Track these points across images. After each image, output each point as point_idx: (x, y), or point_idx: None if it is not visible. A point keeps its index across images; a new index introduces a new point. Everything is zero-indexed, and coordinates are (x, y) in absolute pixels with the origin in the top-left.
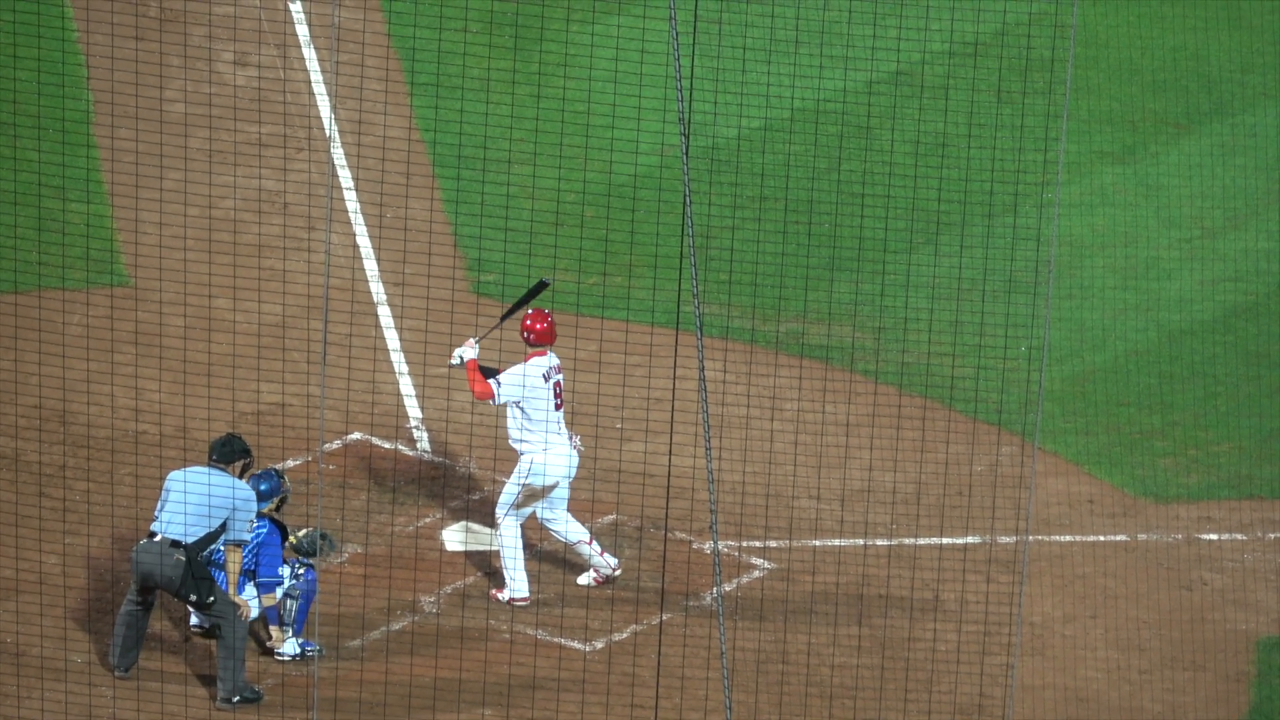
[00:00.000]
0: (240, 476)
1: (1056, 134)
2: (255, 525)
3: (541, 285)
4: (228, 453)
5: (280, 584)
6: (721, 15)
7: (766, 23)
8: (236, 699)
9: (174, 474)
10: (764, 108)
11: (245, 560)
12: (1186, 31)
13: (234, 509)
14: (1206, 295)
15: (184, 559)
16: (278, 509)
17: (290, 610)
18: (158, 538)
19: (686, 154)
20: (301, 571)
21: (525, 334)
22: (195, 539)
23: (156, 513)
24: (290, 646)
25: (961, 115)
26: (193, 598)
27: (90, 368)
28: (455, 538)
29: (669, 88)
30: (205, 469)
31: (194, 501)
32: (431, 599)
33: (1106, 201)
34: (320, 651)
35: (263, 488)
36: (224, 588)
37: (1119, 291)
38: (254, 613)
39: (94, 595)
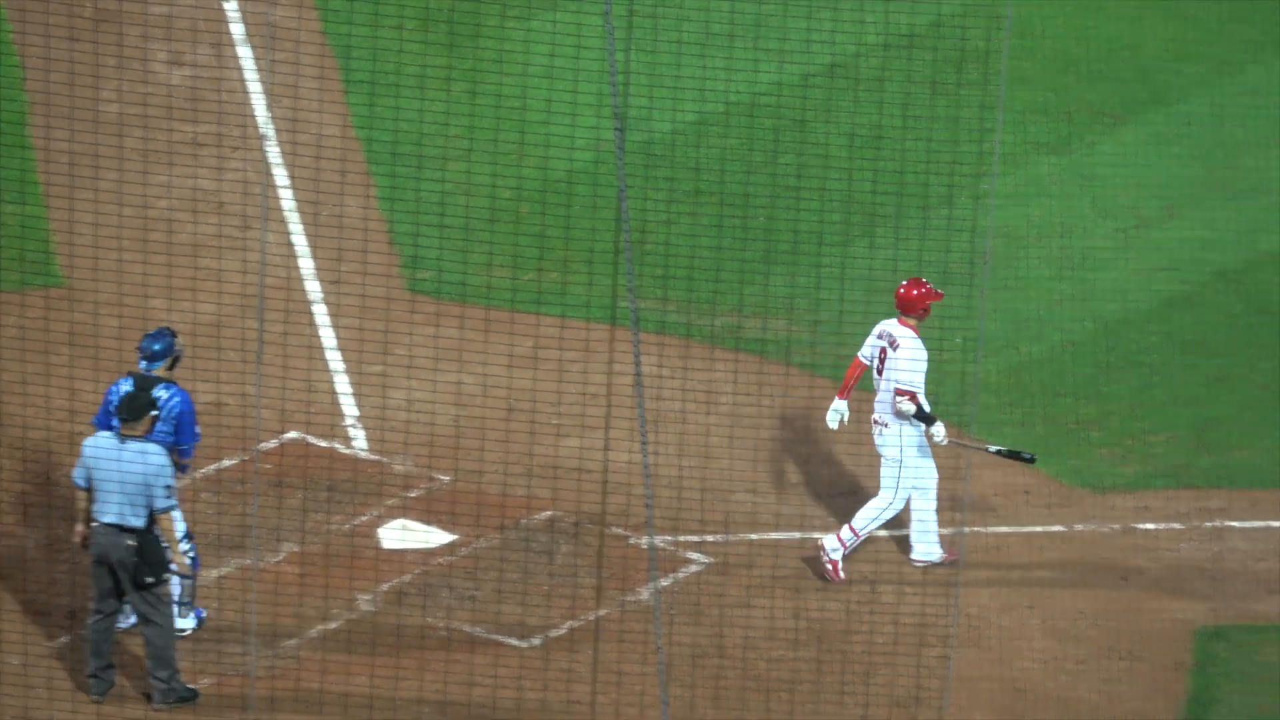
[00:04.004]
0: (172, 369)
1: (992, 125)
2: (165, 399)
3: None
4: (136, 409)
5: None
6: (657, 9)
7: (702, 16)
8: (174, 700)
9: (88, 443)
10: (699, 102)
11: (164, 434)
12: (1122, 22)
13: (148, 484)
14: (1143, 285)
15: (135, 544)
16: (171, 367)
17: (186, 590)
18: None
19: (622, 149)
20: (187, 548)
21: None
22: (141, 519)
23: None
24: (190, 621)
25: (897, 108)
26: (149, 580)
27: (26, 370)
28: (392, 536)
29: (604, 83)
30: (114, 442)
31: (120, 483)
32: (369, 597)
33: (1042, 192)
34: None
35: (155, 347)
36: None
37: (1055, 282)
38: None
39: (28, 598)
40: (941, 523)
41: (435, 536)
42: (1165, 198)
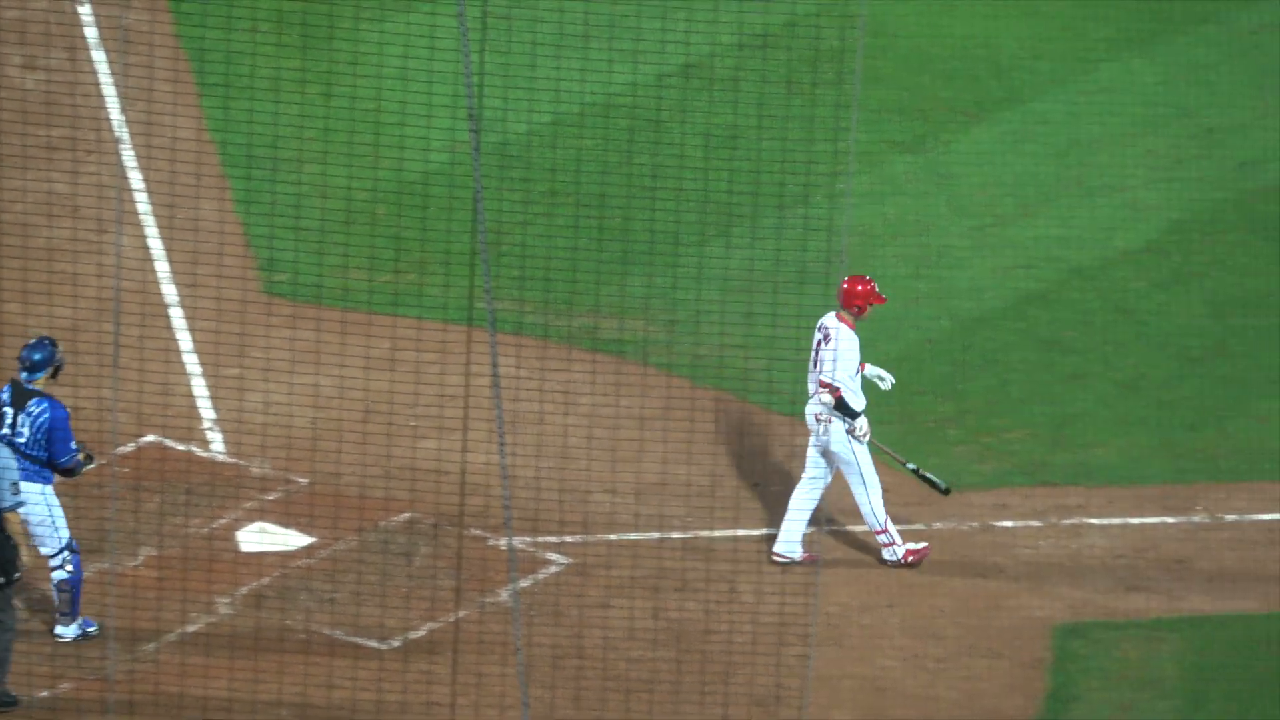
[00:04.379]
0: (54, 378)
1: (847, 124)
2: (36, 412)
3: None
4: None
5: (78, 456)
6: (511, 11)
7: (556, 17)
8: None
9: None
10: (554, 103)
11: (34, 446)
12: (977, 19)
13: None
14: (998, 283)
15: None
16: (54, 376)
17: (66, 599)
18: None
19: (477, 150)
20: (66, 558)
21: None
22: None
23: None
24: (72, 630)
25: (752, 107)
26: (17, 576)
27: None
28: (250, 539)
29: (459, 84)
30: None
31: None
32: (227, 600)
33: (898, 191)
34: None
35: (35, 357)
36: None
37: (911, 280)
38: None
39: None
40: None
41: (293, 539)
42: (1021, 195)
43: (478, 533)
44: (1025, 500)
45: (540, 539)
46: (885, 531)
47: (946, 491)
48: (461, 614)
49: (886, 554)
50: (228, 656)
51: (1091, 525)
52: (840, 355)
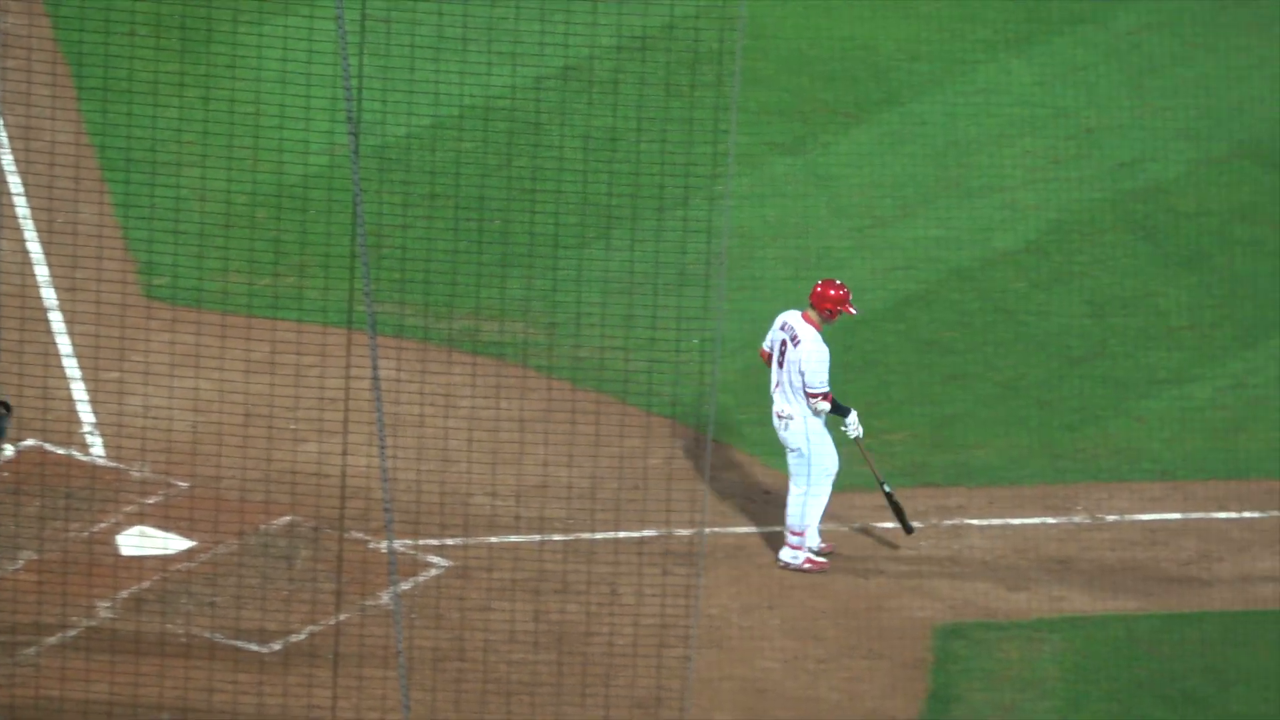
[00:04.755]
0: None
1: (726, 126)
2: None
3: None
4: None
5: None
6: (389, 14)
7: (435, 20)
8: None
9: None
10: (433, 105)
11: None
12: (855, 21)
13: None
14: (879, 284)
15: None
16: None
17: None
18: None
19: (356, 153)
20: None
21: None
22: None
23: None
24: None
25: (631, 109)
26: None
27: None
28: (131, 542)
29: (338, 87)
30: None
31: None
32: (108, 604)
33: (778, 192)
34: None
35: None
36: None
37: (791, 282)
38: None
39: None
40: (680, 523)
41: (174, 543)
42: (900, 197)
43: (358, 536)
44: (906, 501)
45: (421, 542)
46: (800, 535)
47: (910, 531)
48: (342, 617)
49: (786, 554)
50: (108, 660)
51: (972, 526)
52: (818, 363)
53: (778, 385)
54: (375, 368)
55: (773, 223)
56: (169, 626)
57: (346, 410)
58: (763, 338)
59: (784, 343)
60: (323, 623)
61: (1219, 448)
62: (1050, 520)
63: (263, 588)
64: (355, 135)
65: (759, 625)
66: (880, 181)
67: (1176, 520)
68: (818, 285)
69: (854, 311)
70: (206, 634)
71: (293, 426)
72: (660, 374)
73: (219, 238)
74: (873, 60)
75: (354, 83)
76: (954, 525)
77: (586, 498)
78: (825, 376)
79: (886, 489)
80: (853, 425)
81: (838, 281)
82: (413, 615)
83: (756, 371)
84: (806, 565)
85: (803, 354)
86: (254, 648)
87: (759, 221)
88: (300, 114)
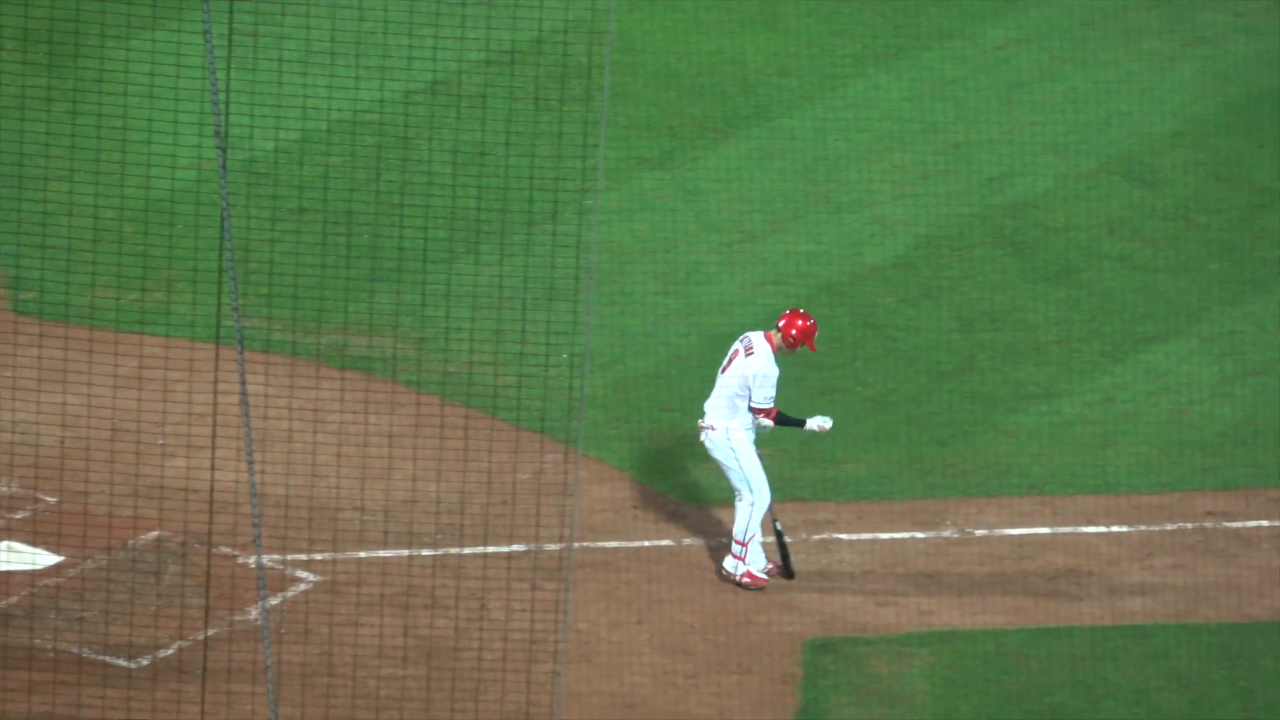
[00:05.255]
0: None
1: (595, 141)
2: None
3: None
4: None
5: None
6: (257, 28)
7: (303, 34)
8: None
9: None
10: (302, 119)
11: None
12: (724, 36)
13: None
14: (748, 299)
15: None
16: None
17: None
18: None
19: (224, 167)
20: None
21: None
22: None
23: None
24: None
25: (500, 124)
26: None
27: None
28: None
29: (205, 101)
30: None
31: None
32: None
33: (647, 207)
34: None
35: None
36: None
37: (660, 297)
38: None
39: None
40: (549, 538)
41: (42, 558)
42: (770, 212)
43: (226, 551)
44: (776, 516)
45: (289, 557)
46: (744, 545)
47: (790, 576)
48: (211, 632)
49: (728, 563)
50: None
51: (841, 541)
52: (765, 379)
53: (709, 401)
54: (243, 383)
55: (641, 237)
56: (37, 641)
57: (215, 425)
58: (635, 352)
59: (735, 353)
60: (191, 638)
61: (1087, 462)
62: (919, 535)
63: (131, 603)
64: (223, 150)
65: (628, 640)
66: (749, 196)
67: (1045, 535)
68: (789, 312)
69: (815, 349)
70: (74, 649)
71: (161, 442)
72: (529, 389)
73: (86, 252)
74: (741, 75)
75: (221, 97)
76: (823, 540)
77: (455, 512)
78: (772, 394)
79: (778, 527)
80: (820, 424)
81: (809, 317)
82: (281, 630)
83: (626, 386)
84: (745, 580)
85: (754, 367)
86: (122, 663)
87: (628, 236)
88: (168, 128)
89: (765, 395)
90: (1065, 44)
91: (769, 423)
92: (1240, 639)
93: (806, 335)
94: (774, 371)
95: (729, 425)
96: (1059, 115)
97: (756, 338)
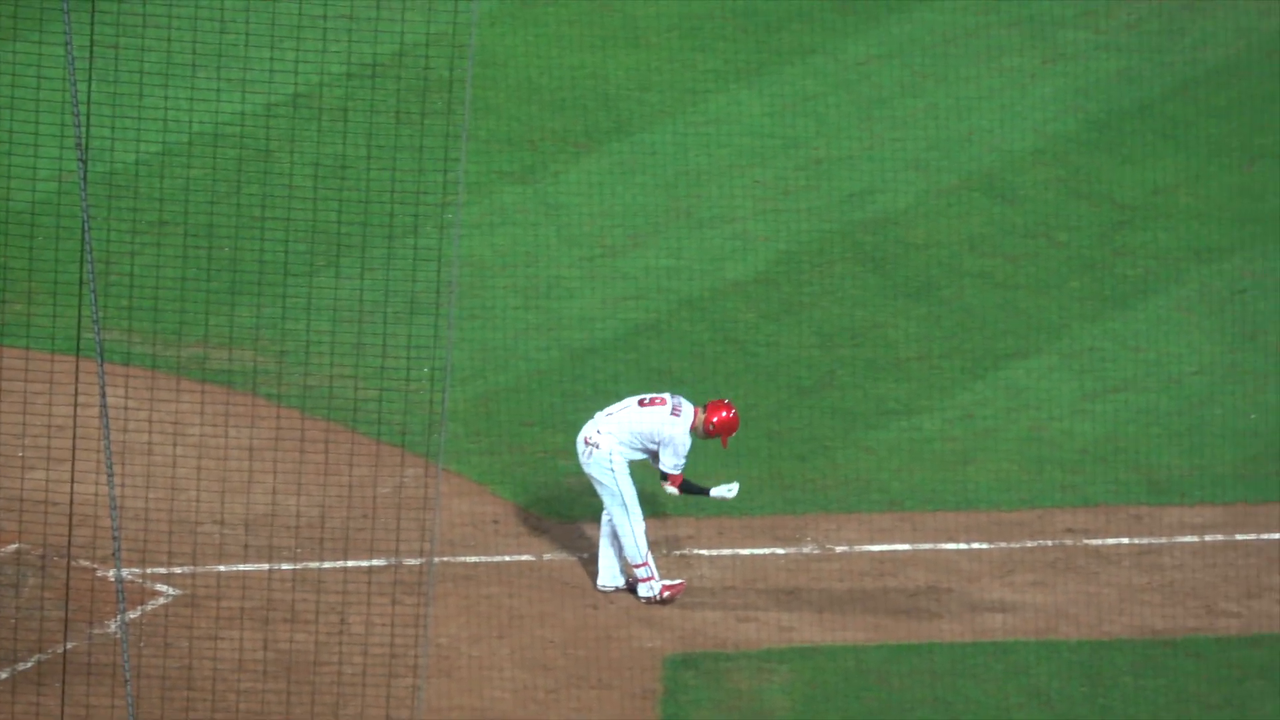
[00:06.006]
0: None
1: (456, 154)
2: None
3: None
4: None
5: None
6: (118, 40)
7: (164, 46)
8: None
9: None
10: (162, 132)
11: None
12: (586, 51)
13: None
14: (609, 313)
15: None
16: None
17: None
18: None
19: (85, 179)
20: None
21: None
22: None
23: None
24: None
25: (361, 137)
26: None
27: None
28: None
29: (66, 113)
30: None
31: None
32: None
33: (508, 221)
34: None
35: None
36: None
37: (522, 311)
38: None
39: None
40: (409, 552)
41: None
42: (631, 226)
43: (86, 564)
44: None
45: (149, 570)
46: (645, 565)
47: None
48: (69, 645)
49: (643, 589)
50: None
51: (702, 556)
52: (681, 445)
53: (609, 413)
54: (103, 395)
55: (502, 252)
56: None
57: (75, 438)
58: (495, 367)
59: (663, 403)
60: (50, 651)
61: (947, 479)
62: (780, 551)
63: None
64: (84, 162)
65: (488, 655)
66: (610, 211)
67: (905, 551)
68: (717, 401)
69: (726, 446)
70: None
71: (20, 454)
72: (390, 402)
73: None
74: (603, 90)
75: (82, 109)
76: (683, 555)
77: (315, 526)
78: (681, 463)
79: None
80: (720, 491)
81: (735, 414)
82: (141, 644)
83: (487, 400)
84: (665, 594)
85: (671, 431)
86: None
87: (489, 250)
88: (28, 140)
89: (674, 463)
90: (926, 60)
91: (674, 489)
92: (1100, 656)
93: (724, 428)
94: (688, 442)
95: (615, 447)
96: (920, 131)
97: (687, 405)
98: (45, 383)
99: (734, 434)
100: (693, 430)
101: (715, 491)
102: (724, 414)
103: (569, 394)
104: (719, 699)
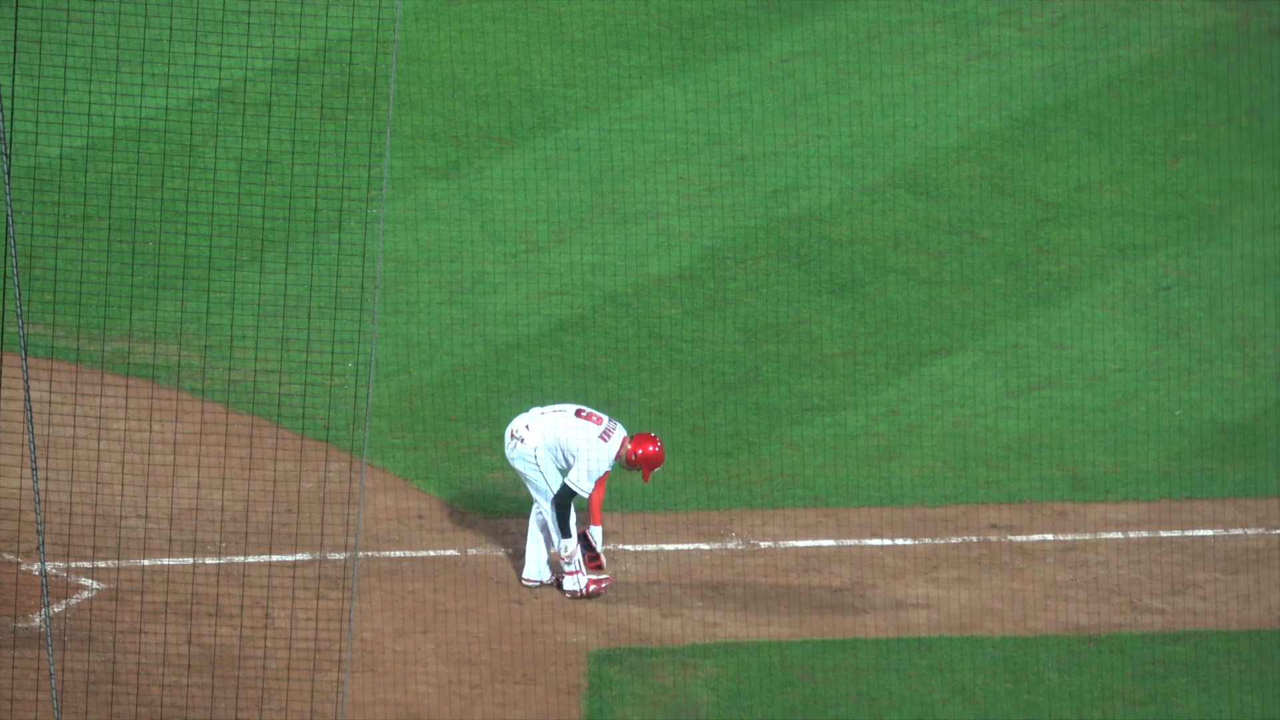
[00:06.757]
0: None
1: (380, 150)
2: None
3: None
4: None
5: None
6: (42, 34)
7: (88, 41)
8: None
9: None
10: (86, 127)
11: None
12: (510, 47)
13: None
14: (533, 309)
15: None
16: None
17: None
18: None
19: (9, 174)
20: None
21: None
22: None
23: None
24: None
25: (285, 132)
26: None
27: None
28: None
29: None
30: None
31: None
32: None
33: (432, 217)
34: None
35: None
36: None
37: (446, 307)
38: None
39: None
40: (333, 547)
41: None
42: (555, 222)
43: (9, 558)
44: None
45: (73, 564)
46: (581, 568)
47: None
48: None
49: (568, 582)
50: None
51: (626, 551)
52: (593, 469)
53: (544, 412)
54: (27, 389)
55: (427, 247)
56: None
57: None
58: (420, 362)
59: (599, 421)
60: None
61: (872, 475)
62: (704, 546)
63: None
64: (7, 156)
65: (413, 650)
66: (534, 207)
67: (830, 547)
68: (644, 434)
69: (648, 480)
70: None
71: None
72: (314, 397)
73: None
74: (527, 85)
75: (6, 103)
76: (608, 550)
77: (240, 521)
78: (588, 487)
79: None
80: (567, 550)
81: (662, 449)
82: (65, 638)
83: (411, 395)
84: (591, 588)
85: (594, 451)
86: None
87: (413, 245)
88: None
89: (581, 483)
90: (850, 57)
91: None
92: (1024, 652)
93: (647, 461)
94: (605, 468)
95: (539, 444)
96: (844, 128)
97: (619, 433)
98: None
99: (657, 469)
100: (617, 459)
101: (568, 541)
102: (649, 447)
103: (493, 389)
104: (643, 694)
